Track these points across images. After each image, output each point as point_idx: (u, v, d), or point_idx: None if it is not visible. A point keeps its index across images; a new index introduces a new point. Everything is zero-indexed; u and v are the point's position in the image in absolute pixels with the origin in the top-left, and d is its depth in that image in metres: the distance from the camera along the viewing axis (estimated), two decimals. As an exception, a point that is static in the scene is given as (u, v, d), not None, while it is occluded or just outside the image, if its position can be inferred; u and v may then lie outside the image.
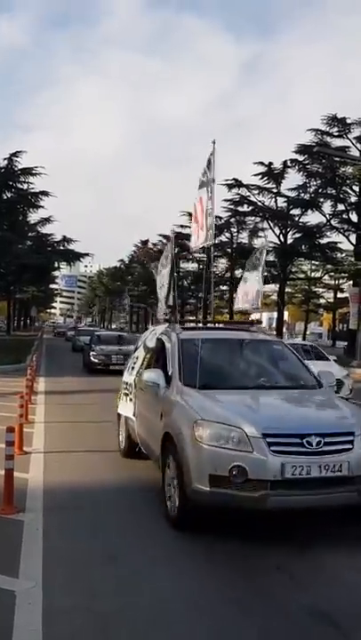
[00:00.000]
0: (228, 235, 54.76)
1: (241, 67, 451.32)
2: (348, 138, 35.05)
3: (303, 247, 43.30)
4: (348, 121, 34.54)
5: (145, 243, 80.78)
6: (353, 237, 37.10)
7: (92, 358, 21.07)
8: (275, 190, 43.11)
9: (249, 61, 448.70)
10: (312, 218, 57.05)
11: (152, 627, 3.65)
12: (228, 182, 45.09)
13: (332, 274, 55.68)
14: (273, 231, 44.05)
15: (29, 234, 44.00)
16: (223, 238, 56.06)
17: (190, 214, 62.23)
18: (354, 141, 35.56)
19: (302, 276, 58.98)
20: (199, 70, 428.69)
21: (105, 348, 21.42)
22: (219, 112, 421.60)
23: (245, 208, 46.85)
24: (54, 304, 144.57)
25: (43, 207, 40.46)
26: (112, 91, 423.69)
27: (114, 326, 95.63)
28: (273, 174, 42.24)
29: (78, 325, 67.71)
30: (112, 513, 5.83)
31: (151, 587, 4.19)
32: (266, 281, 51.12)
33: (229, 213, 49.29)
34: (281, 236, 43.34)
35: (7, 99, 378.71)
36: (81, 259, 46.14)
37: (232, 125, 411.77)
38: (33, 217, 43.04)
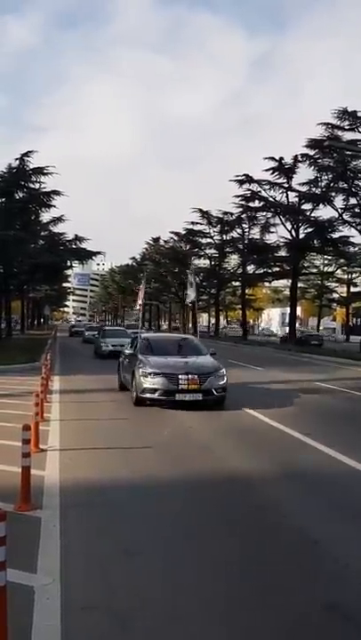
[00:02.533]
0: (239, 231, 54.77)
1: (252, 62, 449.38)
2: (359, 131, 34.75)
3: (315, 242, 43.14)
4: (360, 114, 34.24)
5: (156, 240, 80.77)
6: (365, 231, 36.83)
7: (143, 381, 12.06)
8: (286, 185, 42.98)
9: (260, 57, 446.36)
10: (324, 212, 56.89)
11: (169, 623, 3.68)
12: (239, 178, 45.06)
13: (345, 268, 55.46)
14: (285, 226, 44.01)
15: (42, 233, 44.18)
16: (235, 234, 56.12)
17: (201, 211, 61.44)
18: (365, 134, 35.23)
19: (315, 270, 58.78)
20: (211, 67, 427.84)
21: (164, 363, 12.50)
22: (230, 109, 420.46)
23: (257, 204, 46.78)
24: (67, 302, 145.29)
25: (54, 206, 40.56)
26: (123, 90, 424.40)
27: (127, 323, 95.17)
28: (284, 169, 42.08)
29: (103, 324, 58.29)
30: (128, 510, 5.87)
31: (167, 583, 4.22)
32: (279, 276, 51.20)
33: (240, 209, 49.25)
34: (293, 230, 43.21)
35: (19, 99, 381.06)
36: (93, 257, 46.23)
37: (243, 122, 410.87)
38: (45, 216, 43.25)
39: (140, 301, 23.79)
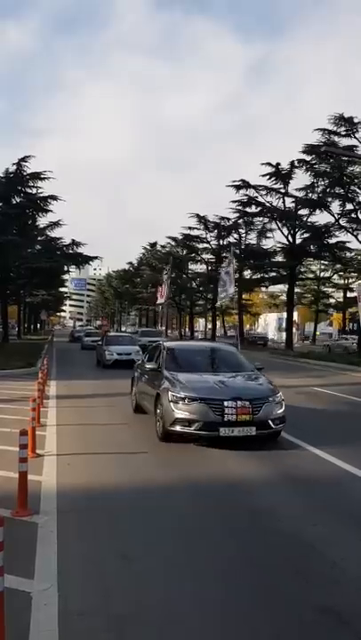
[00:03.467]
0: (236, 236, 54.82)
1: (249, 67, 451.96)
2: (355, 137, 34.91)
3: (312, 247, 43.19)
4: (356, 120, 34.42)
5: (153, 245, 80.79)
6: (362, 236, 36.94)
7: (173, 409, 8.88)
8: (282, 191, 43.05)
9: (257, 62, 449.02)
10: (320, 218, 57.06)
11: (166, 629, 3.68)
12: (236, 183, 45.14)
13: (342, 273, 55.55)
14: (281, 231, 44.05)
15: (39, 238, 44.15)
16: (231, 239, 56.18)
17: (198, 216, 61.26)
18: (361, 140, 35.39)
19: (311, 275, 58.86)
20: (208, 72, 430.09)
21: (200, 383, 9.36)
22: (227, 113, 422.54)
23: (253, 209, 46.84)
24: (64, 307, 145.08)
25: (52, 211, 40.58)
26: (121, 93, 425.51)
27: (123, 329, 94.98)
28: (280, 175, 42.18)
29: (107, 329, 48.67)
30: (125, 515, 5.86)
31: (165, 588, 4.22)
32: (275, 281, 51.30)
33: (237, 214, 49.33)
34: (289, 236, 43.27)
35: (16, 104, 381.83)
36: (90, 262, 46.19)
37: (240, 127, 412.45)
38: (42, 221, 43.25)
39: (163, 298, 20.12)
